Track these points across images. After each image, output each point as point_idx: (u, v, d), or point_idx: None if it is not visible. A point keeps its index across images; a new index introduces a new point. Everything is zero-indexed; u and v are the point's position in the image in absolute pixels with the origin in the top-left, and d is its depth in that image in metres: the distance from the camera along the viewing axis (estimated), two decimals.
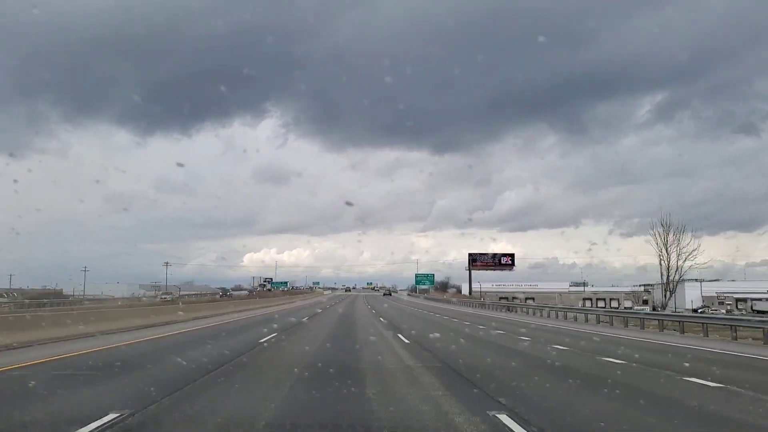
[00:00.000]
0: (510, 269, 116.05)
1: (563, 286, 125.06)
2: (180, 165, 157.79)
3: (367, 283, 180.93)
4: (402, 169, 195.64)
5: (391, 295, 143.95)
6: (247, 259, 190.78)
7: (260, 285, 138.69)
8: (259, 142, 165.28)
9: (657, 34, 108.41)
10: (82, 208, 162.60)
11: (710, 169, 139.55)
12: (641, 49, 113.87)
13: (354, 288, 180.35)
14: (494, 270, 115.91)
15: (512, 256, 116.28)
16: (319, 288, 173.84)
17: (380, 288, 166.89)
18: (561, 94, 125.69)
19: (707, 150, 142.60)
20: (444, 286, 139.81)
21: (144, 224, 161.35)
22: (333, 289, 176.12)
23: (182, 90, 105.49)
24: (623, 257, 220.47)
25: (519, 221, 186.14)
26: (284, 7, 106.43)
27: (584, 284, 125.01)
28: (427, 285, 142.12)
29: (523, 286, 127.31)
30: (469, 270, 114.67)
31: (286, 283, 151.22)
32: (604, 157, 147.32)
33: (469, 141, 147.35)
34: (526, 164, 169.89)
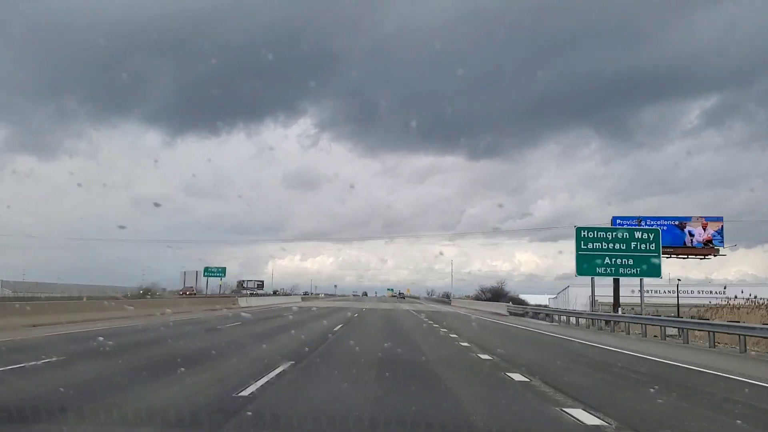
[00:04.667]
0: (710, 254, 43.97)
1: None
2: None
3: (388, 289, 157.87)
4: (435, 176, 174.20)
5: (404, 297, 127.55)
6: (271, 265, 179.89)
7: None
8: (290, 144, 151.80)
9: (720, 31, 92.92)
10: (105, 209, 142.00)
11: (757, 179, 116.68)
12: (699, 49, 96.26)
13: (368, 294, 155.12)
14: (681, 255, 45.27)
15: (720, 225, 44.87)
16: (252, 291, 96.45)
17: (401, 294, 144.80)
18: (609, 96, 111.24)
19: (758, 158, 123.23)
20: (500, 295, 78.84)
21: (171, 226, 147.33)
22: (348, 295, 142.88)
23: (214, 88, 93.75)
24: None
25: (550, 231, 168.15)
26: (322, 1, 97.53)
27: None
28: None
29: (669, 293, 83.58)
30: None
31: None
32: (645, 165, 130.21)
33: (508, 146, 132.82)
34: (564, 172, 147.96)
